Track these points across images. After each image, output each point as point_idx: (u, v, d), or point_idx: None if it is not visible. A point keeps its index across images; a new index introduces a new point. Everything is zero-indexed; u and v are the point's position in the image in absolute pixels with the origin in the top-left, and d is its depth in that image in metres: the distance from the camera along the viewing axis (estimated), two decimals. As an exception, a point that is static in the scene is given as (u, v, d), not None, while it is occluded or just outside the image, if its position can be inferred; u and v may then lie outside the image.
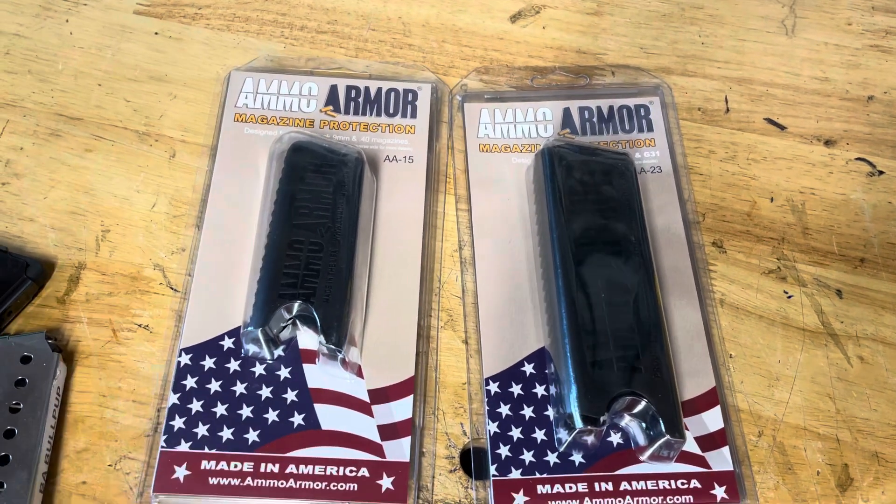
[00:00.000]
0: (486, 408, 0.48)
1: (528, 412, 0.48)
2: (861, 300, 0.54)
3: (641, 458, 0.47)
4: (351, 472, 0.46)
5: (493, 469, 0.46)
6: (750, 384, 0.51)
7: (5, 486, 0.44)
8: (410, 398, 0.48)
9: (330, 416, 0.47)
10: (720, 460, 0.47)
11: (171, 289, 0.52)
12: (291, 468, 0.46)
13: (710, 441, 0.48)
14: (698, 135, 0.61)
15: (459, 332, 0.52)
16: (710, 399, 0.49)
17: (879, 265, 0.55)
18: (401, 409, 0.48)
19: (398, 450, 0.46)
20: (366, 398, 0.48)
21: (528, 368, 0.50)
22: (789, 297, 0.54)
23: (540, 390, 0.49)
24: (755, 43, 0.66)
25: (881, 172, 0.60)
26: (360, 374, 0.49)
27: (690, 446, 0.47)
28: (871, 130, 0.62)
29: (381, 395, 0.48)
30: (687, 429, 0.47)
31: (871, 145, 0.61)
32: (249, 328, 0.47)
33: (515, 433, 0.48)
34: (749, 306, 0.54)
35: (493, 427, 0.48)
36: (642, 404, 0.46)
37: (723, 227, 0.57)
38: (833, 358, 0.52)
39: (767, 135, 0.61)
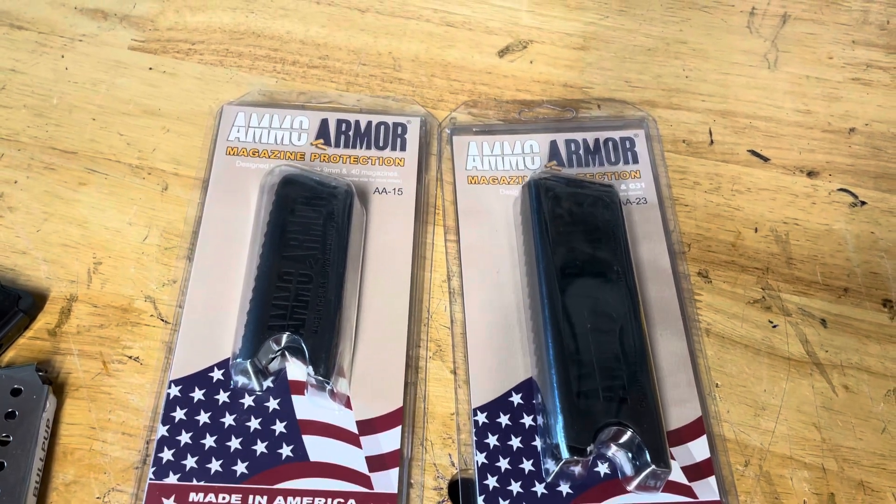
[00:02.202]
0: (474, 438, 0.48)
1: (515, 443, 0.48)
2: (845, 329, 0.55)
3: (628, 488, 0.47)
4: (339, 503, 0.46)
5: (480, 500, 0.46)
6: (736, 413, 0.51)
7: (-7, 519, 0.43)
8: (398, 429, 0.48)
9: (318, 448, 0.47)
10: (707, 490, 0.47)
11: (162, 320, 0.53)
12: (279, 500, 0.45)
13: (696, 471, 0.48)
14: (683, 166, 0.62)
15: (448, 362, 0.52)
16: (696, 429, 0.49)
17: (863, 294, 0.56)
18: (389, 441, 0.48)
19: (386, 481, 0.46)
20: (354, 429, 0.48)
21: (516, 399, 0.50)
22: (774, 326, 0.54)
23: (528, 421, 0.49)
24: (738, 77, 0.68)
25: (863, 203, 0.61)
26: (348, 405, 0.49)
27: (677, 476, 0.47)
28: (853, 162, 0.63)
29: (370, 427, 0.48)
30: (673, 458, 0.48)
31: (853, 176, 0.62)
32: (238, 360, 0.47)
33: (503, 464, 0.48)
34: (735, 336, 0.54)
35: (480, 458, 0.48)
36: (628, 434, 0.46)
37: (708, 257, 0.57)
38: (818, 387, 0.52)
39: (751, 166, 0.62)
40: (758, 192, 0.61)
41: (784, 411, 0.51)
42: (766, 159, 0.63)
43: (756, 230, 0.59)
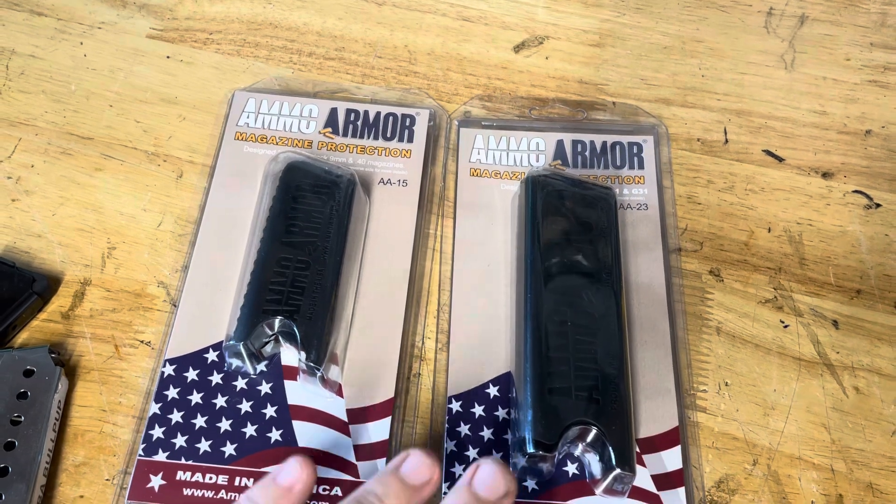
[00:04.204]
0: (446, 426, 0.48)
1: (487, 434, 0.48)
2: (857, 331, 0.54)
3: (596, 491, 0.46)
4: (324, 490, 0.45)
5: (444, 487, 0.46)
6: (745, 412, 0.50)
7: (3, 497, 0.44)
8: (388, 419, 0.48)
9: (307, 434, 0.47)
10: (675, 501, 0.46)
11: (174, 305, 0.53)
12: (266, 483, 0.46)
13: (666, 480, 0.47)
14: (697, 165, 0.61)
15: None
16: (672, 438, 0.48)
17: (875, 297, 0.55)
18: (378, 430, 0.47)
19: (373, 470, 0.46)
20: (344, 417, 0.48)
21: (493, 391, 0.49)
22: (786, 326, 0.54)
23: (502, 413, 0.48)
24: (755, 76, 0.67)
25: (878, 205, 0.59)
26: (340, 392, 0.49)
27: (646, 484, 0.46)
28: (869, 164, 0.61)
29: (360, 415, 0.48)
30: (644, 465, 0.47)
31: (868, 178, 0.61)
32: (231, 342, 0.47)
33: (472, 453, 0.47)
34: (745, 335, 0.53)
35: (450, 446, 0.47)
36: (596, 434, 0.45)
37: (720, 255, 0.57)
38: (829, 388, 0.51)
39: (766, 166, 0.61)
40: (772, 191, 0.60)
41: (794, 411, 0.50)
42: (780, 159, 0.62)
43: (769, 230, 0.58)
